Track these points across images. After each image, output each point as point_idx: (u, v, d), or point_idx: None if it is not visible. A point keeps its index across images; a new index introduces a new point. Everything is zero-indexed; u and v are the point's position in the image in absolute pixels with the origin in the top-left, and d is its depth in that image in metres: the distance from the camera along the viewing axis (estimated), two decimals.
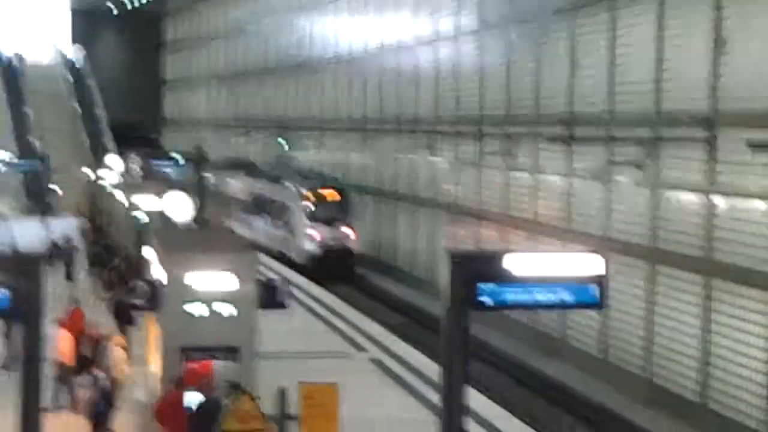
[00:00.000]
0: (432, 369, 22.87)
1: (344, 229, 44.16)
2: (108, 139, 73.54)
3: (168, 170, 63.98)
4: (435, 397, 18.73)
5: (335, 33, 54.06)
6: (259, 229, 49.67)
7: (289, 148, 60.18)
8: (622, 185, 27.61)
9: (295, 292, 34.80)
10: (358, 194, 48.27)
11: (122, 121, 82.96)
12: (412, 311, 37.99)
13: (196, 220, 31.92)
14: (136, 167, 61.14)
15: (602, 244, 28.36)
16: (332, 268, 42.35)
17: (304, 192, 44.83)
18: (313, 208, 44.05)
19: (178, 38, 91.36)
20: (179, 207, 25.92)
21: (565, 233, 30.79)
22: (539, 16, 32.51)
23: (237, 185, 54.14)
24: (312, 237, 43.47)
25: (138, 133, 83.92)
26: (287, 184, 46.75)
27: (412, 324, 35.76)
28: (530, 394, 28.13)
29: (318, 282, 38.84)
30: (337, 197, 44.39)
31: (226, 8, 76.86)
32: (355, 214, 45.21)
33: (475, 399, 21.63)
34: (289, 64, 61.75)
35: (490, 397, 23.84)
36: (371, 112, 48.43)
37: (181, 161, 57.43)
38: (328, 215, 43.96)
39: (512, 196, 34.49)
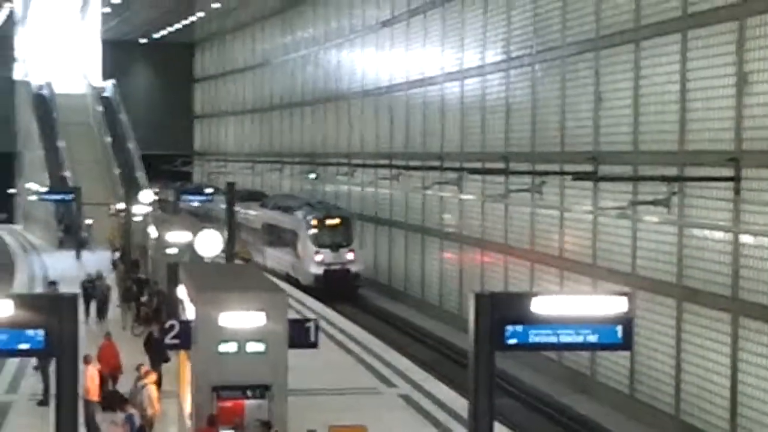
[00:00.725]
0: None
1: (347, 253, 47.41)
2: (140, 172, 74.07)
3: (199, 203, 64.50)
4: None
5: (363, 66, 54.53)
6: (271, 254, 53.97)
7: (318, 180, 60.65)
8: (648, 223, 27.79)
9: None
10: (389, 227, 49.29)
11: (154, 153, 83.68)
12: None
13: (225, 255, 32.34)
14: (168, 201, 61.69)
15: (629, 281, 28.61)
16: (335, 289, 46.26)
17: (311, 220, 48.28)
18: (318, 234, 47.86)
19: (206, 70, 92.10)
20: (209, 243, 26.30)
21: (592, 269, 30.98)
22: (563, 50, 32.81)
23: (251, 215, 57.63)
24: (317, 261, 47.31)
25: (169, 166, 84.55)
26: (296, 212, 50.49)
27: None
28: (558, 429, 28.24)
29: (322, 300, 42.42)
30: (340, 224, 48.12)
31: (253, 40, 77.51)
32: (358, 238, 49.21)
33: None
34: (317, 98, 62.26)
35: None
36: (397, 146, 48.81)
37: (212, 195, 57.97)
38: (332, 240, 47.68)
39: (538, 232, 34.73)
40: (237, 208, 49.77)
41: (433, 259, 44.73)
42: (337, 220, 48.53)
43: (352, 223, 49.24)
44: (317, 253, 47.70)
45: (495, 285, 37.93)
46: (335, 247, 47.86)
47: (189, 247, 31.14)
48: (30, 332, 13.89)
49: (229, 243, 32.31)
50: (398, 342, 37.72)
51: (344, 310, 42.61)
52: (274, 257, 53.39)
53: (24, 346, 13.93)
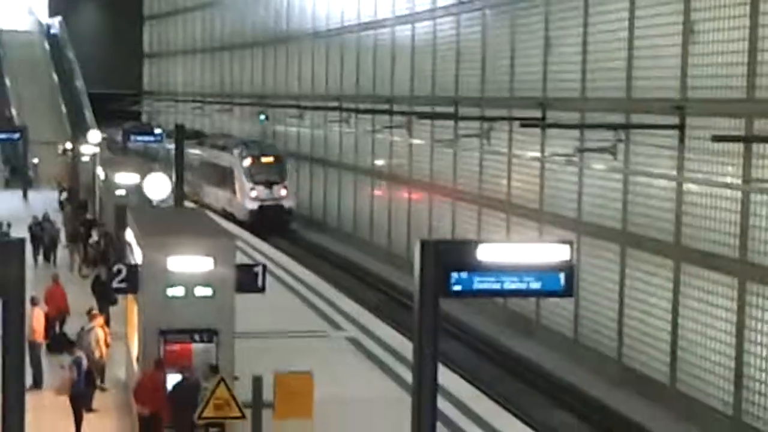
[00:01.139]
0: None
1: (280, 189, 50.28)
2: (87, 111, 73.53)
3: (149, 145, 64.16)
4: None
5: (313, 7, 54.27)
6: (208, 191, 56.21)
7: (268, 121, 60.52)
8: (594, 170, 28.08)
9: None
10: (339, 170, 49.52)
11: (102, 92, 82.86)
12: None
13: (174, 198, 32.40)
14: (116, 142, 61.37)
15: (574, 227, 29.00)
16: (269, 224, 49.03)
17: (246, 158, 50.92)
18: (252, 172, 50.33)
19: (156, 8, 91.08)
20: (157, 186, 26.31)
21: (539, 215, 31.33)
22: None
23: (189, 154, 57.66)
24: (251, 197, 49.83)
25: (118, 105, 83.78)
26: (232, 151, 52.94)
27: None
28: (502, 373, 28.65)
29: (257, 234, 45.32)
30: (274, 162, 50.84)
31: None
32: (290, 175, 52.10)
33: (447, 377, 22.24)
34: (268, 38, 61.90)
35: (462, 376, 24.45)
36: (348, 89, 48.78)
37: (161, 135, 57.64)
38: (266, 178, 50.19)
39: (486, 177, 34.96)
40: (170, 146, 51.01)
41: (383, 203, 44.92)
42: (270, 158, 51.26)
43: (285, 161, 51.75)
44: (252, 189, 50.03)
45: (443, 228, 38.26)
46: (269, 184, 50.17)
47: (137, 190, 31.11)
48: None
49: (178, 186, 32.27)
50: (346, 284, 38.06)
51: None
52: (211, 194, 55.55)
53: None
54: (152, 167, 36.41)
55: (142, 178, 34.94)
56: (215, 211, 48.49)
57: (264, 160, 50.88)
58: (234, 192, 51.57)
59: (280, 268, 37.20)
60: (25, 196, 56.59)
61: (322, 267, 41.96)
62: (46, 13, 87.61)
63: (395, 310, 34.20)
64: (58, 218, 43.07)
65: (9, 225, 36.50)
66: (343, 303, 31.87)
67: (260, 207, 49.74)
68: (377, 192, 45.58)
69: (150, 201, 27.24)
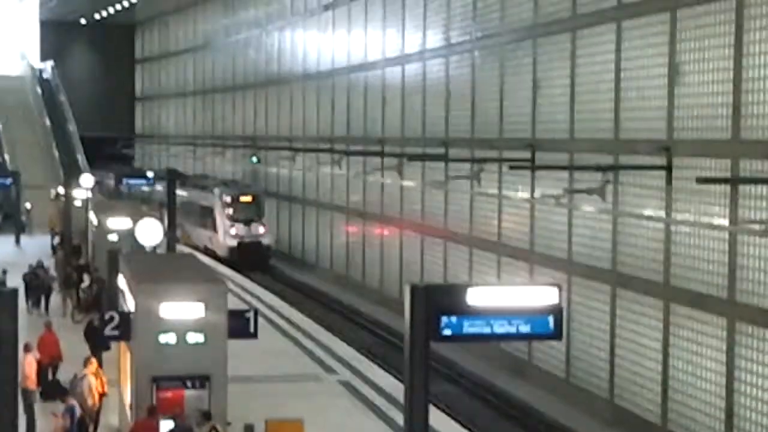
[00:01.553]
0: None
1: (259, 227, 52.64)
2: (80, 156, 73.71)
3: (141, 188, 64.45)
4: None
5: (304, 50, 54.67)
6: (189, 230, 57.98)
7: (260, 163, 60.75)
8: (583, 210, 28.30)
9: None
10: (331, 211, 49.78)
11: (94, 135, 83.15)
12: None
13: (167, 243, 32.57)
14: (108, 186, 61.60)
15: (565, 268, 29.17)
16: (249, 260, 50.97)
17: (226, 197, 53.37)
18: (232, 210, 52.90)
19: (148, 51, 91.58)
20: (149, 232, 26.44)
21: (529, 255, 31.50)
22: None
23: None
24: (231, 234, 52.19)
25: (110, 149, 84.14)
26: (212, 191, 55.20)
27: None
28: (495, 414, 28.73)
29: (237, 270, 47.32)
30: (252, 201, 53.13)
31: (195, 21, 77.24)
32: (266, 214, 54.30)
33: (438, 419, 22.30)
34: (259, 81, 62.29)
35: (454, 418, 24.55)
36: (339, 130, 49.07)
37: (153, 179, 57.95)
38: (245, 216, 52.80)
39: (476, 218, 35.16)
40: (160, 188, 50.82)
41: (375, 244, 45.09)
42: (249, 198, 53.63)
43: (263, 199, 54.31)
44: (231, 227, 52.40)
45: (435, 269, 38.41)
46: (248, 222, 52.57)
47: (130, 234, 31.21)
48: None
49: (170, 230, 32.39)
50: (339, 326, 38.14)
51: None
52: (193, 232, 57.50)
53: None
54: (144, 212, 36.56)
55: (135, 223, 35.11)
56: (197, 249, 51.72)
57: (242, 199, 53.43)
58: (215, 230, 53.73)
59: (271, 311, 37.30)
60: (17, 241, 56.61)
61: (314, 309, 42.08)
62: (37, 57, 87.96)
63: (388, 352, 34.30)
64: (51, 263, 43.17)
65: (5, 271, 36.53)
66: (336, 346, 31.93)
67: (239, 244, 51.80)
68: (369, 233, 45.76)
69: (142, 246, 27.39)
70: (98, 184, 58.30)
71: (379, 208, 44.52)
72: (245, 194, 53.91)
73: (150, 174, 59.75)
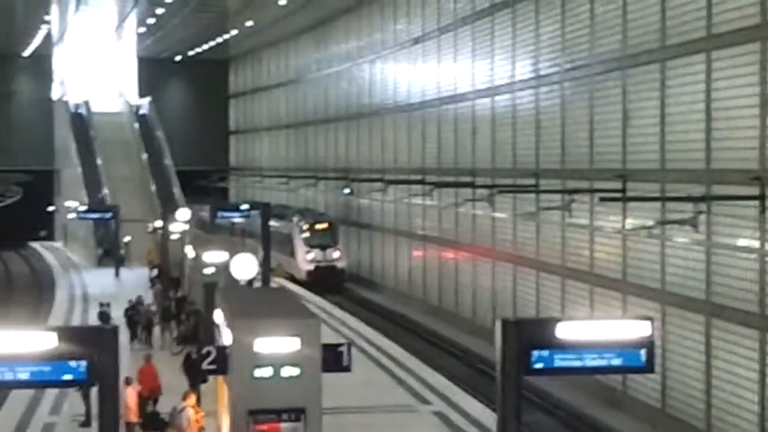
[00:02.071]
0: None
1: (334, 252, 56.60)
2: (176, 189, 74.83)
3: (236, 220, 65.30)
4: None
5: (395, 82, 55.07)
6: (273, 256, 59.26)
7: (352, 195, 61.20)
8: (676, 241, 28.18)
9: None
10: (424, 242, 50.08)
11: (190, 169, 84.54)
12: None
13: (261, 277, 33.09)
14: (204, 218, 62.68)
15: (658, 298, 29.02)
16: (324, 283, 54.61)
17: (303, 225, 57.83)
18: (309, 237, 57.20)
19: (241, 86, 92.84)
20: (244, 266, 26.90)
21: (622, 285, 31.37)
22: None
23: (255, 223, 64.62)
24: (308, 259, 56.38)
25: (206, 182, 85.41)
26: (292, 219, 59.40)
27: None
28: None
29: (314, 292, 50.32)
30: (327, 228, 56.76)
31: (287, 56, 78.21)
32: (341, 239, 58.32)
33: None
34: (351, 113, 62.85)
35: None
36: (430, 162, 49.32)
37: (248, 212, 58.75)
38: (320, 242, 57.11)
39: (568, 248, 35.12)
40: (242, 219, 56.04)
41: (467, 273, 45.19)
42: (324, 225, 57.27)
43: (337, 227, 58.01)
44: (308, 252, 56.42)
45: (527, 299, 38.39)
46: (323, 247, 56.54)
47: (225, 268, 31.75)
48: (73, 363, 14.44)
49: (265, 265, 32.85)
50: (432, 355, 38.26)
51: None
52: (274, 257, 57.70)
53: (67, 377, 14.48)
54: (239, 246, 37.25)
55: (231, 256, 35.70)
56: (292, 279, 55.42)
57: (318, 226, 57.24)
58: (293, 255, 57.47)
59: (365, 341, 37.54)
60: (117, 274, 57.79)
61: (408, 339, 42.23)
62: (135, 93, 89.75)
63: (481, 381, 34.33)
64: (148, 295, 43.98)
65: (108, 304, 37.47)
66: (429, 376, 32.04)
67: (316, 268, 55.75)
68: (461, 263, 45.87)
69: (237, 281, 27.87)
70: (194, 217, 59.44)
71: (471, 238, 44.61)
72: (321, 222, 57.77)
73: (244, 207, 60.47)
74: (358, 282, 59.57)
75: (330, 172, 66.38)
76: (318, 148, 70.39)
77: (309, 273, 55.86)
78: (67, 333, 14.64)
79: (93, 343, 14.65)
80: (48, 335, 14.43)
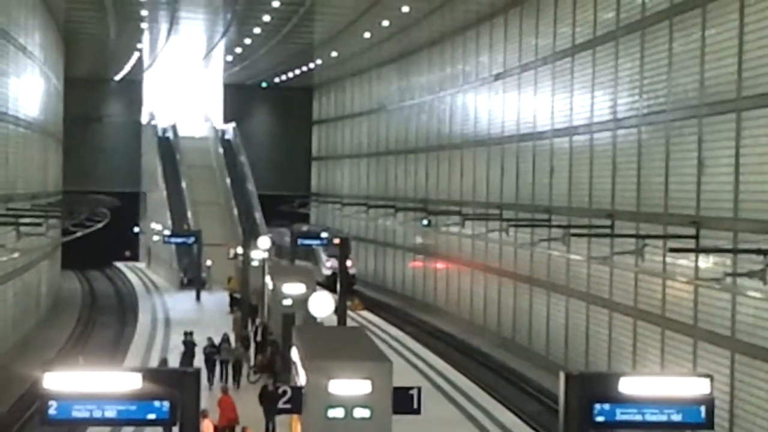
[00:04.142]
0: None
1: (347, 262, 63.67)
2: (258, 214, 76.04)
3: (315, 247, 66.81)
4: None
5: (475, 116, 55.71)
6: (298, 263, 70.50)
7: (430, 226, 61.78)
8: (747, 289, 28.43)
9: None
10: (499, 276, 50.58)
11: (272, 194, 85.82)
12: None
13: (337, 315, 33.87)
14: (284, 245, 64.13)
15: (728, 345, 29.30)
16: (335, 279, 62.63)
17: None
18: (328, 249, 68.96)
19: (325, 113, 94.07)
20: (321, 305, 27.72)
21: (693, 330, 31.67)
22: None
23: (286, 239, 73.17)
24: (327, 266, 69.30)
25: (287, 206, 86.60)
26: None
27: None
28: None
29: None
30: (341, 242, 64.98)
31: (370, 85, 79.20)
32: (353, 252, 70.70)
33: None
34: (431, 144, 63.51)
35: None
36: (508, 197, 49.84)
37: (327, 240, 59.95)
38: (336, 253, 65.76)
39: (641, 290, 35.47)
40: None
41: (540, 308, 45.62)
42: (338, 240, 65.02)
43: (349, 241, 64.53)
44: (327, 260, 69.50)
45: (599, 337, 38.78)
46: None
47: (303, 300, 32.49)
48: (156, 404, 15.33)
49: (341, 304, 33.63)
50: (505, 392, 38.68)
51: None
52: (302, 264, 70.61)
53: (151, 416, 15.34)
54: (316, 281, 38.09)
55: (308, 289, 36.58)
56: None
57: (335, 241, 66.08)
58: (317, 263, 70.20)
59: (436, 373, 38.11)
60: (198, 297, 59.01)
61: (480, 373, 42.75)
62: (220, 119, 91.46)
63: (552, 420, 34.67)
64: (227, 321, 44.88)
65: (191, 333, 37.26)
66: (500, 413, 32.53)
67: (333, 273, 65.46)
68: (536, 299, 46.30)
69: (314, 318, 28.70)
70: (275, 245, 60.66)
71: (545, 275, 45.04)
72: (337, 237, 66.43)
73: (324, 235, 61.54)
74: (433, 312, 60.19)
75: (409, 202, 67.11)
76: (398, 178, 71.19)
77: (327, 277, 68.26)
78: (151, 374, 15.50)
79: (176, 385, 15.52)
80: (134, 376, 15.30)
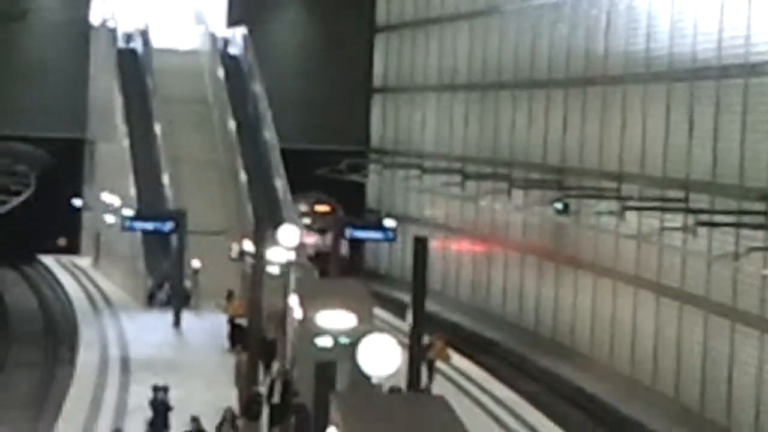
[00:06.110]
0: None
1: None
2: (280, 183, 75.81)
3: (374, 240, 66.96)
4: None
5: (649, 27, 55.60)
6: None
7: (567, 213, 61.62)
8: None
9: None
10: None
11: (304, 150, 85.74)
12: None
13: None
14: (320, 243, 64.49)
15: None
16: (321, 266, 70.36)
17: (302, 207, 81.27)
18: (309, 222, 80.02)
19: (397, 15, 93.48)
20: (379, 356, 27.00)
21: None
22: None
23: None
24: (307, 243, 73.90)
25: (329, 170, 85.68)
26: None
27: None
28: None
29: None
30: (329, 210, 76.12)
31: None
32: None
33: None
34: (575, 75, 63.46)
35: None
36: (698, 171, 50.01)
37: (394, 234, 59.95)
38: (320, 226, 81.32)
39: None
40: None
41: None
42: (325, 207, 79.56)
43: (339, 209, 79.81)
44: (307, 236, 78.09)
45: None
46: (323, 231, 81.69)
47: (352, 345, 32.40)
48: None
49: (415, 348, 33.89)
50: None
51: None
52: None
53: None
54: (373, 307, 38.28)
55: (360, 322, 36.70)
56: None
57: (318, 208, 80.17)
58: None
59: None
60: (177, 322, 59.07)
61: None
62: (222, 21, 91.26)
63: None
64: (227, 362, 45.08)
65: (165, 388, 36.91)
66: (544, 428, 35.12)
67: (317, 254, 76.31)
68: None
69: (368, 377, 28.58)
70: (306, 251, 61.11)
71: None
72: (321, 203, 74.53)
73: (390, 223, 61.79)
74: (571, 359, 60.51)
75: (533, 171, 66.93)
76: (516, 129, 70.98)
77: (309, 258, 75.41)
78: None
79: None
80: None
